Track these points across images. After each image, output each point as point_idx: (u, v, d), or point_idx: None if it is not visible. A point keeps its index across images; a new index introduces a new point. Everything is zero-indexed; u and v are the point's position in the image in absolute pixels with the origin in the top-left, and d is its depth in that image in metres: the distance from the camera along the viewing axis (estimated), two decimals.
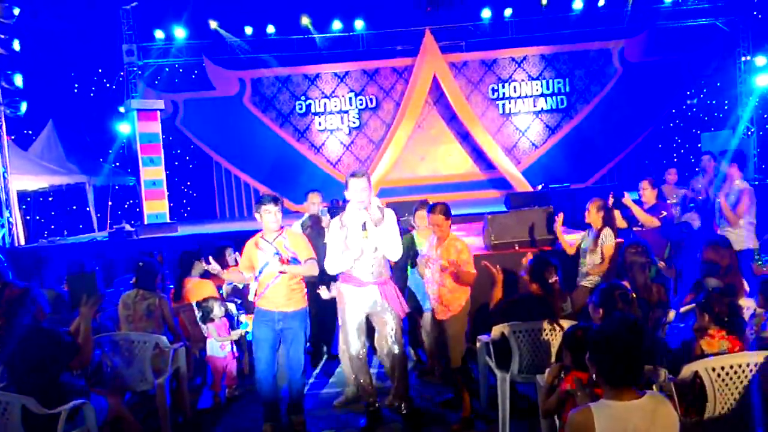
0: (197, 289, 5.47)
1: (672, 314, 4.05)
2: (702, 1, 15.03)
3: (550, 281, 4.15)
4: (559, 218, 5.53)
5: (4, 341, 3.74)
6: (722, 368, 2.94)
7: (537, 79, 15.68)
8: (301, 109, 15.69)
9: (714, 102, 15.87)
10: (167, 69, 15.60)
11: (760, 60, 14.23)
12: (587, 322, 3.21)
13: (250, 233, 4.61)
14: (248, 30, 14.87)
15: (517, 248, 6.33)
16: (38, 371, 3.34)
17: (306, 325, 4.46)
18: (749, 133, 14.61)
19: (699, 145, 15.27)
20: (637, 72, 15.22)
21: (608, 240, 5.06)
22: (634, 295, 3.23)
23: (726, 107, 15.63)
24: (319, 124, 15.75)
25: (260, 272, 4.29)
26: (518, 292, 5.20)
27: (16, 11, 10.74)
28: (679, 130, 16.00)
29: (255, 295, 4.46)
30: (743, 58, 15.11)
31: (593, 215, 5.21)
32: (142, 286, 4.84)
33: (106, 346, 4.32)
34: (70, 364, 3.57)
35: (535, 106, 15.73)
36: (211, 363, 5.10)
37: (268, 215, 4.24)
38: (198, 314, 5.14)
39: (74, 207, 14.48)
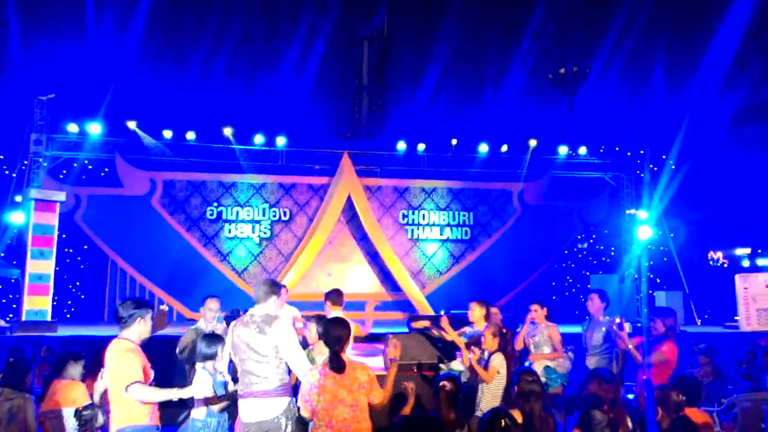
0: (67, 391, 4.97)
1: None
2: (592, 157, 16.82)
3: (440, 386, 4.15)
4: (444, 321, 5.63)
5: None
6: None
7: (444, 209, 16.54)
8: (212, 215, 15.51)
9: (602, 248, 17.29)
10: (75, 164, 15.14)
11: (642, 214, 15.84)
12: None
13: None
14: (167, 133, 14.91)
15: (415, 371, 6.33)
16: None
17: None
18: (635, 279, 15.82)
19: (588, 286, 16.37)
20: (533, 213, 16.47)
21: (496, 362, 5.17)
22: (510, 423, 3.26)
23: (613, 253, 17.03)
24: (229, 231, 15.57)
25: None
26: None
27: None
28: (570, 270, 17.14)
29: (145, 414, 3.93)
30: (628, 211, 16.76)
31: (489, 340, 5.33)
32: (9, 384, 4.37)
33: None
34: None
35: (441, 235, 16.43)
36: None
37: (150, 321, 3.98)
38: (74, 423, 4.62)
39: None
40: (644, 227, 15.48)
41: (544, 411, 4.30)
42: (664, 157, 16.62)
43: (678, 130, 15.63)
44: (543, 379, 5.85)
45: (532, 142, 16.20)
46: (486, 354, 5.38)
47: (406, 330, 10.07)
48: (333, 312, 5.63)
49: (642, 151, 16.85)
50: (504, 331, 5.60)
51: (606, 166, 16.97)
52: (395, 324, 12.41)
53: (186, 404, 5.99)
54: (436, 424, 4.07)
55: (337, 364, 3.73)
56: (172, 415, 7.93)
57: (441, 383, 4.14)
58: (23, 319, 10.44)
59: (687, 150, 15.67)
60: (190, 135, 15.01)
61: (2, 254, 13.97)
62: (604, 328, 6.17)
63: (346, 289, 15.41)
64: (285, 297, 7.98)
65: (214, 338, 4.66)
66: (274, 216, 15.80)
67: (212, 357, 4.54)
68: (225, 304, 6.72)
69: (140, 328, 3.92)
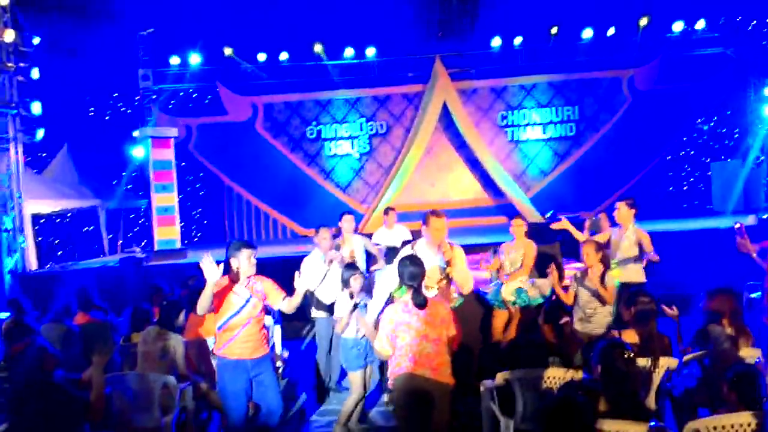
0: (205, 323, 5.53)
1: (675, 362, 4.06)
2: (712, 31, 15.08)
3: (561, 324, 4.16)
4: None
5: (13, 399, 3.63)
6: (723, 427, 2.95)
7: (546, 106, 15.79)
8: (312, 134, 15.89)
9: (724, 130, 15.87)
10: (182, 93, 15.89)
11: None
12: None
13: (259, 260, 4.49)
14: (261, 56, 15.11)
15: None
16: (42, 428, 3.38)
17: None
18: (759, 162, 14.58)
19: (709, 173, 15.29)
20: (646, 100, 15.30)
21: (611, 281, 4.95)
22: (632, 355, 3.23)
23: (736, 136, 15.61)
24: (330, 149, 15.93)
25: (229, 319, 4.11)
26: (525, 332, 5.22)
27: (36, 40, 11.07)
28: (688, 158, 15.98)
29: (218, 345, 4.22)
30: (753, 87, 15.13)
31: (592, 256, 5.07)
32: (164, 324, 4.86)
33: (114, 384, 4.38)
34: (88, 418, 3.59)
35: (544, 134, 15.80)
36: None
37: (247, 260, 4.17)
38: None
39: (90, 227, 14.70)
40: None
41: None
42: None
43: None
44: (512, 298, 5.67)
45: (643, 21, 14.66)
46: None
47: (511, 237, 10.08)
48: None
49: None
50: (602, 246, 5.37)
51: (727, 40, 15.12)
52: (500, 229, 12.37)
53: (309, 318, 6.48)
54: (555, 348, 4.13)
55: (419, 301, 3.69)
56: (296, 328, 8.67)
57: (562, 321, 4.11)
58: (156, 248, 11.50)
59: None
60: (283, 56, 15.11)
61: (130, 186, 15.27)
62: (634, 237, 5.79)
63: (449, 197, 15.68)
64: (393, 219, 8.19)
65: (348, 267, 5.12)
66: (371, 130, 15.88)
67: (347, 284, 4.97)
68: (333, 221, 7.02)
69: (238, 265, 4.18)
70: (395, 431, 5.08)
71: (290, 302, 4.29)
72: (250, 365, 4.13)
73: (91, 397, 3.52)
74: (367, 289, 5.12)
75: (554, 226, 6.21)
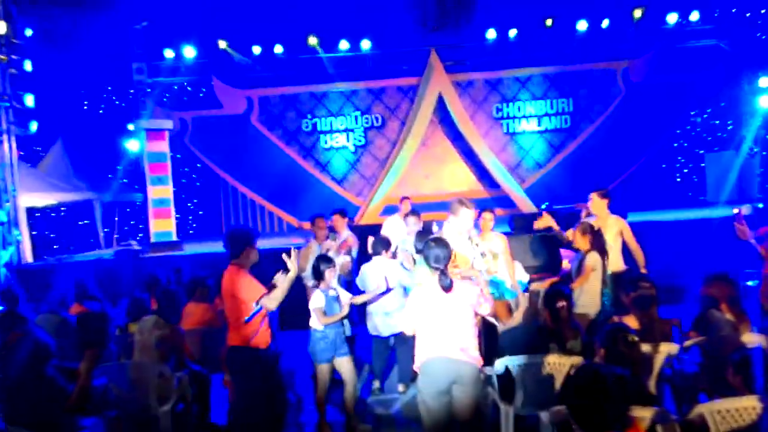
0: (201, 313, 5.52)
1: (675, 348, 4.07)
2: (705, 23, 15.10)
3: (558, 307, 4.15)
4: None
5: (6, 390, 3.67)
6: (727, 411, 2.96)
7: (541, 98, 15.78)
8: (307, 127, 15.84)
9: (718, 122, 15.91)
10: (176, 87, 15.78)
11: (763, 81, 14.27)
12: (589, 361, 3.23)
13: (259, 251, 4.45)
14: (256, 49, 15.01)
15: None
16: (32, 417, 3.38)
17: None
18: (753, 153, 14.63)
19: (702, 165, 15.33)
20: (640, 92, 15.32)
21: (591, 261, 5.10)
22: (636, 339, 3.23)
23: (730, 127, 15.66)
24: (325, 142, 15.88)
25: (261, 307, 4.04)
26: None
27: (29, 32, 10.99)
28: (682, 150, 16.02)
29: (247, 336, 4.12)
30: (747, 79, 15.17)
31: (579, 239, 5.23)
32: (162, 315, 4.83)
33: (110, 374, 4.36)
34: (66, 408, 3.58)
35: (539, 126, 15.81)
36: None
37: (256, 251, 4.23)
38: None
39: (86, 221, 14.62)
40: (766, 96, 14.05)
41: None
42: None
43: None
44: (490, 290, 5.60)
45: (637, 12, 14.67)
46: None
47: (508, 229, 10.10)
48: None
49: (763, 11, 14.89)
50: (595, 227, 5.44)
51: (721, 32, 15.13)
52: (496, 221, 12.36)
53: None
54: (554, 334, 4.12)
55: (445, 283, 3.58)
56: (300, 319, 8.61)
57: (559, 305, 4.10)
58: (152, 241, 11.45)
59: None
60: (278, 48, 15.01)
61: (125, 180, 15.19)
62: (616, 228, 5.72)
63: (444, 189, 15.67)
64: (407, 208, 7.99)
65: (323, 259, 4.95)
66: (367, 123, 15.85)
67: (321, 277, 4.84)
68: (329, 213, 6.99)
69: (250, 256, 4.21)
70: (392, 418, 5.12)
71: (269, 299, 4.04)
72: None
73: (75, 389, 3.51)
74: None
75: (537, 224, 6.14)
